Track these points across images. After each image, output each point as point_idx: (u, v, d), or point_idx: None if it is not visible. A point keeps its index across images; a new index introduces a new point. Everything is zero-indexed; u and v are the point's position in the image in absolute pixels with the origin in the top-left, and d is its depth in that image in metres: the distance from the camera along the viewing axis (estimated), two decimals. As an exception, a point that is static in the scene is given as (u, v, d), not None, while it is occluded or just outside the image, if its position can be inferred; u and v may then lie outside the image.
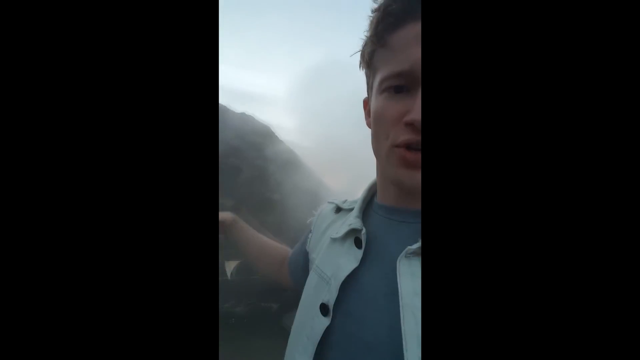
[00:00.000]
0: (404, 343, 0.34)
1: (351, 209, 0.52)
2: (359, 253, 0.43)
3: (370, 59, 0.44)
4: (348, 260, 0.43)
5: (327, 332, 0.41)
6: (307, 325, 0.43)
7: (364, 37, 0.44)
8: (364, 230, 0.44)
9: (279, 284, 0.73)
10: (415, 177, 0.39)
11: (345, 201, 0.56)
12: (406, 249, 0.38)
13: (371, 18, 0.42)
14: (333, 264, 0.45)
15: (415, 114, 0.36)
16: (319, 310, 0.42)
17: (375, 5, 0.41)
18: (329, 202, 0.60)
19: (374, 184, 0.52)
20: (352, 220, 0.47)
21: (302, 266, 0.61)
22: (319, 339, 0.41)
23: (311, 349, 0.41)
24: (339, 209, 0.55)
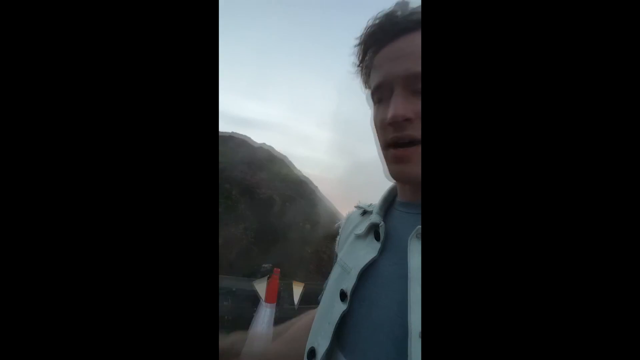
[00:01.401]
0: (408, 307, 0.37)
1: None
2: (378, 244, 0.48)
3: (367, 80, 0.52)
4: (368, 251, 0.48)
5: (345, 316, 0.46)
6: (329, 311, 0.48)
7: (357, 66, 0.52)
8: (382, 224, 0.49)
9: None
10: (404, 170, 0.45)
11: (370, 205, 0.60)
12: (416, 229, 0.42)
13: (357, 49, 0.51)
14: (355, 256, 0.50)
15: (389, 114, 0.43)
16: (338, 297, 0.48)
17: (357, 41, 0.50)
18: (356, 207, 0.65)
19: (394, 186, 0.56)
20: (372, 217, 0.52)
21: None
22: (337, 322, 0.46)
23: (331, 332, 0.46)
24: (365, 212, 0.60)
